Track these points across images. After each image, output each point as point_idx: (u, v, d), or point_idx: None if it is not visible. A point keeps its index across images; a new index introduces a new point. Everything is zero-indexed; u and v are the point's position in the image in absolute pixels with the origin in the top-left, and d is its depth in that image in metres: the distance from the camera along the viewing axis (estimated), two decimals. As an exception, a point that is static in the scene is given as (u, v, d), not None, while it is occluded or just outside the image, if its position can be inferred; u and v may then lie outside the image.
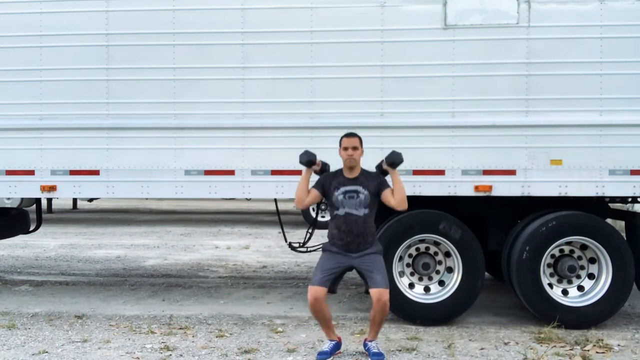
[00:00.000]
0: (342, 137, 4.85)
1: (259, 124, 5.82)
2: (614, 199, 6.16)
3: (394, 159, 4.77)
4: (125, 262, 9.22)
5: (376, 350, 4.72)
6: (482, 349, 5.06)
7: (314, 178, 4.95)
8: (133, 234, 12.49)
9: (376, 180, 4.82)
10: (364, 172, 4.87)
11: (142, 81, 5.90)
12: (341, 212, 4.74)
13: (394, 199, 4.72)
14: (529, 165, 5.65)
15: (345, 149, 4.78)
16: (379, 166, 4.92)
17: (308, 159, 4.83)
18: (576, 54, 5.60)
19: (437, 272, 5.89)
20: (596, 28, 5.58)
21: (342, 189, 4.76)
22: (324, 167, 4.96)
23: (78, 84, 5.95)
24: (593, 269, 5.76)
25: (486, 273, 6.08)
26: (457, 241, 5.70)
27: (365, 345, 4.86)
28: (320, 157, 4.97)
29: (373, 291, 4.62)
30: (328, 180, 4.85)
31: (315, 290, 4.65)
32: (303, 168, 4.89)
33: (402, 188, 4.74)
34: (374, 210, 4.83)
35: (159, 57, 5.87)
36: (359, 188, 4.75)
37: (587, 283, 5.77)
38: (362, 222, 4.71)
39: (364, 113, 5.70)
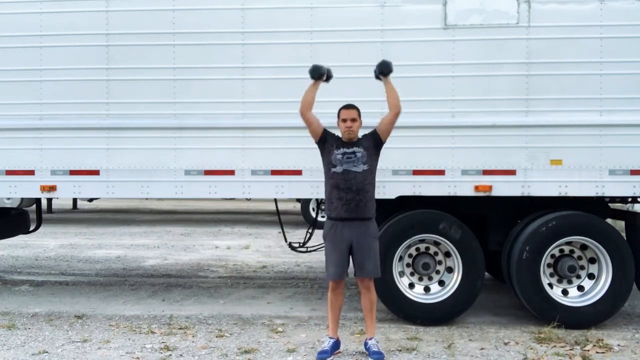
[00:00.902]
0: (340, 109, 4.88)
1: (259, 124, 5.82)
2: (614, 199, 6.16)
3: (383, 68, 4.81)
4: (125, 262, 9.22)
5: (376, 349, 4.73)
6: (482, 349, 5.06)
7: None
8: (133, 234, 12.49)
9: (370, 134, 4.88)
10: (359, 137, 4.91)
11: (142, 81, 5.91)
12: (339, 169, 4.76)
13: (388, 105, 4.82)
14: (529, 165, 5.66)
15: (344, 120, 4.81)
16: (375, 71, 4.93)
17: (320, 73, 4.84)
18: (576, 54, 5.60)
19: (437, 272, 5.89)
20: (596, 28, 5.58)
21: (342, 150, 4.79)
22: (329, 73, 4.95)
23: (78, 84, 5.96)
24: (593, 269, 5.75)
25: (486, 273, 6.08)
26: (457, 241, 5.70)
27: (365, 344, 4.87)
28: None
29: (361, 280, 4.77)
30: (331, 138, 4.89)
31: (336, 284, 4.82)
32: (312, 81, 4.89)
33: (394, 92, 4.80)
34: (374, 168, 4.84)
35: (159, 57, 5.87)
36: (356, 149, 4.80)
37: (587, 283, 5.77)
38: (361, 178, 4.73)
39: (364, 113, 5.67)
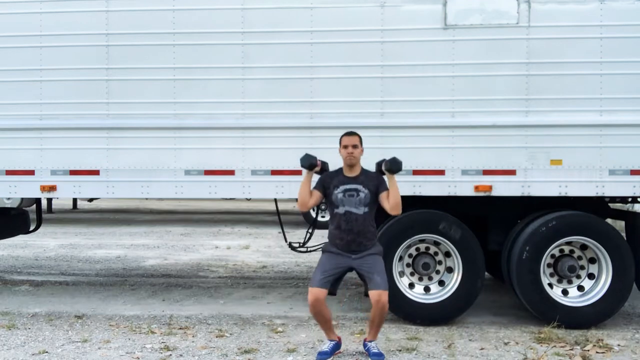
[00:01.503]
0: (342, 136, 4.86)
1: (259, 124, 5.82)
2: (614, 199, 6.16)
3: (393, 167, 4.74)
4: (125, 262, 9.22)
5: (376, 351, 4.73)
6: (482, 349, 5.06)
7: (315, 179, 4.94)
8: (133, 234, 12.49)
9: (376, 180, 4.82)
10: (364, 171, 4.87)
11: (142, 81, 5.90)
12: (341, 210, 4.75)
13: (389, 203, 4.73)
14: (529, 165, 5.66)
15: (345, 147, 4.78)
16: (379, 165, 4.91)
17: (310, 162, 4.82)
18: (576, 54, 5.60)
19: (437, 272, 5.89)
20: (596, 28, 5.58)
21: (342, 188, 4.77)
22: (324, 166, 4.96)
23: (78, 84, 5.96)
24: (593, 269, 5.76)
25: (486, 273, 6.08)
26: (457, 241, 5.70)
27: (365, 345, 4.86)
28: (320, 157, 4.96)
29: (372, 293, 4.62)
30: (328, 180, 4.86)
31: (316, 292, 4.64)
32: (304, 171, 4.88)
33: (397, 193, 4.74)
34: (374, 209, 4.84)
35: (159, 57, 5.87)
36: (359, 187, 4.76)
37: (587, 283, 5.77)
38: (362, 220, 4.71)
39: (364, 113, 5.69)
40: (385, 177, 4.82)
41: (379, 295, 4.59)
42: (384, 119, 5.70)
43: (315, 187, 4.89)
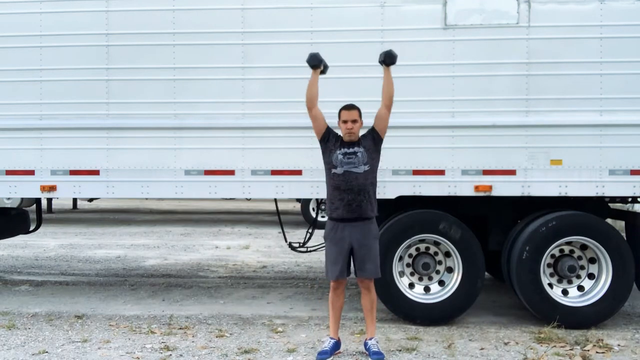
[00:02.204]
0: (340, 110, 4.86)
1: (259, 124, 5.82)
2: (614, 199, 6.15)
3: (387, 59, 4.80)
4: (125, 262, 9.22)
5: (376, 350, 4.74)
6: (482, 349, 5.06)
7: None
8: (133, 234, 12.49)
9: (369, 133, 4.86)
10: (362, 135, 4.90)
11: (142, 81, 5.91)
12: (339, 170, 4.74)
13: (382, 96, 4.80)
14: (529, 165, 5.66)
15: (345, 121, 4.80)
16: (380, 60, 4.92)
17: (318, 60, 4.82)
18: (576, 54, 5.60)
19: (437, 272, 5.88)
20: (596, 28, 5.58)
21: (343, 150, 4.78)
22: (325, 64, 4.95)
23: (78, 84, 5.96)
24: (593, 269, 5.75)
25: (486, 273, 6.08)
26: (457, 241, 5.70)
27: (365, 344, 4.87)
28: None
29: (361, 281, 4.77)
30: (333, 137, 4.88)
31: (337, 284, 4.81)
32: (311, 71, 4.88)
33: (391, 82, 4.79)
34: (375, 167, 4.83)
35: (159, 57, 5.87)
36: (357, 149, 4.78)
37: (587, 283, 5.77)
38: (362, 179, 4.72)
39: (364, 113, 5.68)
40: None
41: (367, 284, 4.76)
42: (384, 119, 5.69)
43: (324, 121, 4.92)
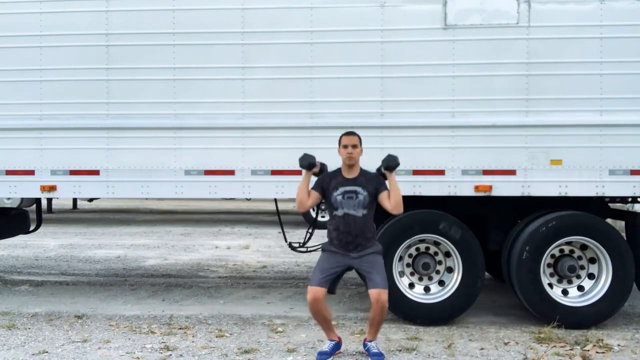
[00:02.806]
0: (341, 136, 4.85)
1: (259, 124, 5.82)
2: (614, 199, 6.15)
3: (390, 162, 4.77)
4: (125, 262, 9.22)
5: (376, 350, 4.73)
6: (482, 349, 5.06)
7: (314, 180, 4.95)
8: (133, 234, 12.49)
9: (375, 181, 4.81)
10: (363, 172, 4.86)
11: (142, 81, 5.91)
12: (340, 212, 4.74)
13: (390, 203, 4.72)
14: (529, 165, 5.66)
15: (345, 147, 4.77)
16: (379, 169, 4.91)
17: (309, 162, 4.83)
18: (576, 54, 5.60)
19: (437, 272, 5.89)
20: (596, 28, 5.58)
21: (341, 189, 4.76)
22: (323, 167, 4.96)
23: (78, 84, 5.96)
24: (593, 269, 5.76)
25: (486, 273, 6.08)
26: (457, 241, 5.70)
27: (365, 345, 4.86)
28: (320, 157, 4.97)
29: (372, 292, 4.62)
30: (327, 180, 4.85)
31: (315, 291, 4.65)
32: (303, 171, 4.88)
33: (398, 192, 4.73)
34: (373, 210, 4.82)
35: (159, 57, 5.87)
36: (358, 189, 4.74)
37: (587, 283, 5.77)
38: (360, 223, 4.70)
39: (364, 113, 5.70)
40: (387, 179, 4.82)
41: (378, 294, 4.59)
42: (384, 119, 5.70)
43: (313, 188, 4.88)
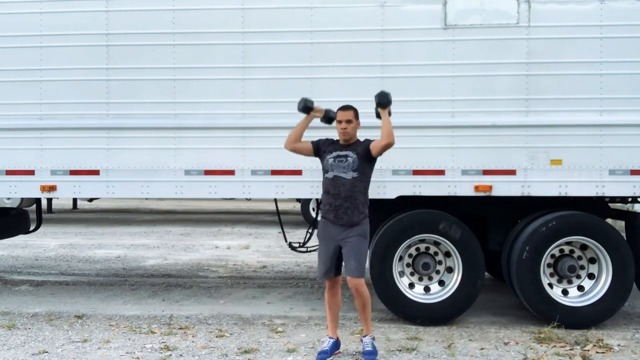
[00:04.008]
0: (337, 110, 4.84)
1: (259, 124, 5.83)
2: (614, 199, 6.15)
3: (381, 99, 4.74)
4: (125, 262, 9.22)
5: (369, 348, 4.73)
6: (482, 349, 5.06)
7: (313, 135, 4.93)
8: (133, 234, 12.49)
9: (366, 142, 4.82)
10: (359, 141, 4.87)
11: (142, 81, 5.91)
12: (330, 175, 4.76)
13: (380, 137, 4.70)
14: (529, 165, 5.66)
15: (340, 122, 4.79)
16: (376, 112, 4.87)
17: (304, 106, 4.84)
18: (576, 54, 5.60)
19: (437, 272, 5.88)
20: (596, 28, 5.58)
21: (335, 154, 4.79)
22: (328, 113, 4.92)
23: (78, 84, 5.96)
24: (593, 269, 5.75)
25: (486, 273, 6.08)
26: (457, 241, 5.70)
27: (362, 342, 4.87)
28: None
29: (348, 280, 4.68)
30: (325, 145, 4.89)
31: (331, 282, 4.80)
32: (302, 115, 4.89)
33: (388, 124, 4.70)
34: (365, 176, 4.77)
35: (159, 57, 5.87)
36: (349, 152, 4.77)
37: (587, 283, 5.77)
38: (349, 185, 4.68)
39: (364, 113, 5.65)
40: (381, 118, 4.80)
41: (354, 284, 4.65)
42: (384, 119, 5.69)
43: (312, 141, 4.92)
